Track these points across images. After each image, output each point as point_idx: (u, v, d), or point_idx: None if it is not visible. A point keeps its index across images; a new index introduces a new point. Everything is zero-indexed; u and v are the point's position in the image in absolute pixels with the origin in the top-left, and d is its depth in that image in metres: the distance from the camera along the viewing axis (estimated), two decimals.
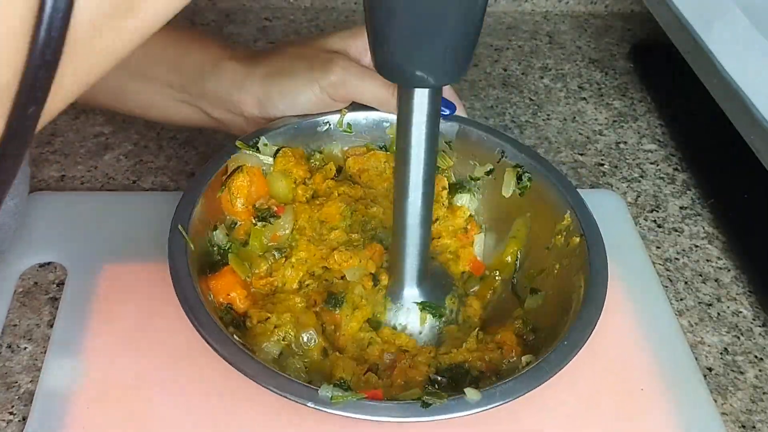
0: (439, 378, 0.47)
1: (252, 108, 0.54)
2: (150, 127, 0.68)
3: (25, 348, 0.50)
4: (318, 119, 0.55)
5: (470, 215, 0.56)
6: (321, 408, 0.40)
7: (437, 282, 0.52)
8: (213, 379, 0.48)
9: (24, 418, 0.46)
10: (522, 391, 0.42)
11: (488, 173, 0.55)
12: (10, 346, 0.50)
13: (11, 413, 0.47)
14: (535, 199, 0.53)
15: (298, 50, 0.54)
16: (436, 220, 0.54)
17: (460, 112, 0.55)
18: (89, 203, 0.59)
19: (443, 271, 0.53)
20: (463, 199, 0.56)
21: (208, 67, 0.54)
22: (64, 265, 0.55)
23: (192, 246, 0.46)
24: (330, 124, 0.55)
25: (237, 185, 0.51)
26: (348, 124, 0.55)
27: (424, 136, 0.42)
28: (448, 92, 0.55)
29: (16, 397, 0.47)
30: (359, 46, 0.54)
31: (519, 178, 0.54)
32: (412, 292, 0.50)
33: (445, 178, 0.56)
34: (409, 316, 0.51)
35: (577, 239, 0.49)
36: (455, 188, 0.56)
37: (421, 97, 0.41)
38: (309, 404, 0.40)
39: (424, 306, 0.50)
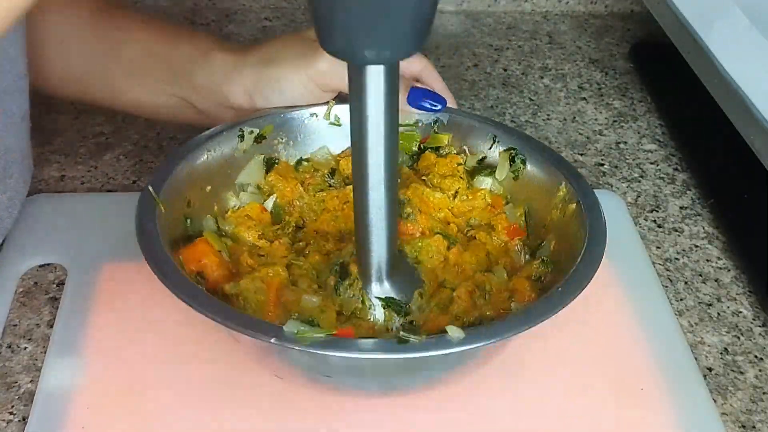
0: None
1: (241, 98, 0.54)
2: (150, 127, 0.68)
3: (26, 348, 0.50)
4: (305, 111, 0.54)
5: (490, 191, 0.55)
6: (285, 345, 0.38)
7: (407, 276, 0.49)
8: (214, 378, 0.48)
9: (24, 418, 0.46)
10: (508, 333, 0.40)
11: (480, 162, 0.55)
12: (10, 346, 0.50)
13: (11, 413, 0.47)
14: (530, 180, 0.53)
15: (288, 40, 0.54)
16: (456, 194, 0.54)
17: (452, 106, 0.56)
18: (89, 203, 0.59)
19: (412, 267, 0.50)
20: (486, 183, 0.55)
21: (198, 59, 0.54)
22: (64, 265, 0.55)
23: (162, 208, 0.46)
24: (317, 116, 0.55)
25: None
26: (336, 116, 0.55)
27: (382, 122, 0.38)
28: (439, 86, 0.55)
29: (16, 397, 0.47)
30: None
31: (512, 161, 0.54)
32: (378, 288, 0.46)
33: (459, 156, 0.55)
34: (376, 313, 0.47)
35: (573, 206, 0.49)
36: (477, 171, 0.55)
37: (375, 76, 0.37)
38: (272, 341, 0.38)
39: (387, 303, 0.47)
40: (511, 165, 0.54)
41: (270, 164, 0.54)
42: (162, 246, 0.44)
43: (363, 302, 0.46)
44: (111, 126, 0.68)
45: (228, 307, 0.42)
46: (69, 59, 0.56)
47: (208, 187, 0.51)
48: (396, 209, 0.44)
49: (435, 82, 0.55)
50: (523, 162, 0.54)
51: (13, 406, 0.47)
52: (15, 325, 0.51)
